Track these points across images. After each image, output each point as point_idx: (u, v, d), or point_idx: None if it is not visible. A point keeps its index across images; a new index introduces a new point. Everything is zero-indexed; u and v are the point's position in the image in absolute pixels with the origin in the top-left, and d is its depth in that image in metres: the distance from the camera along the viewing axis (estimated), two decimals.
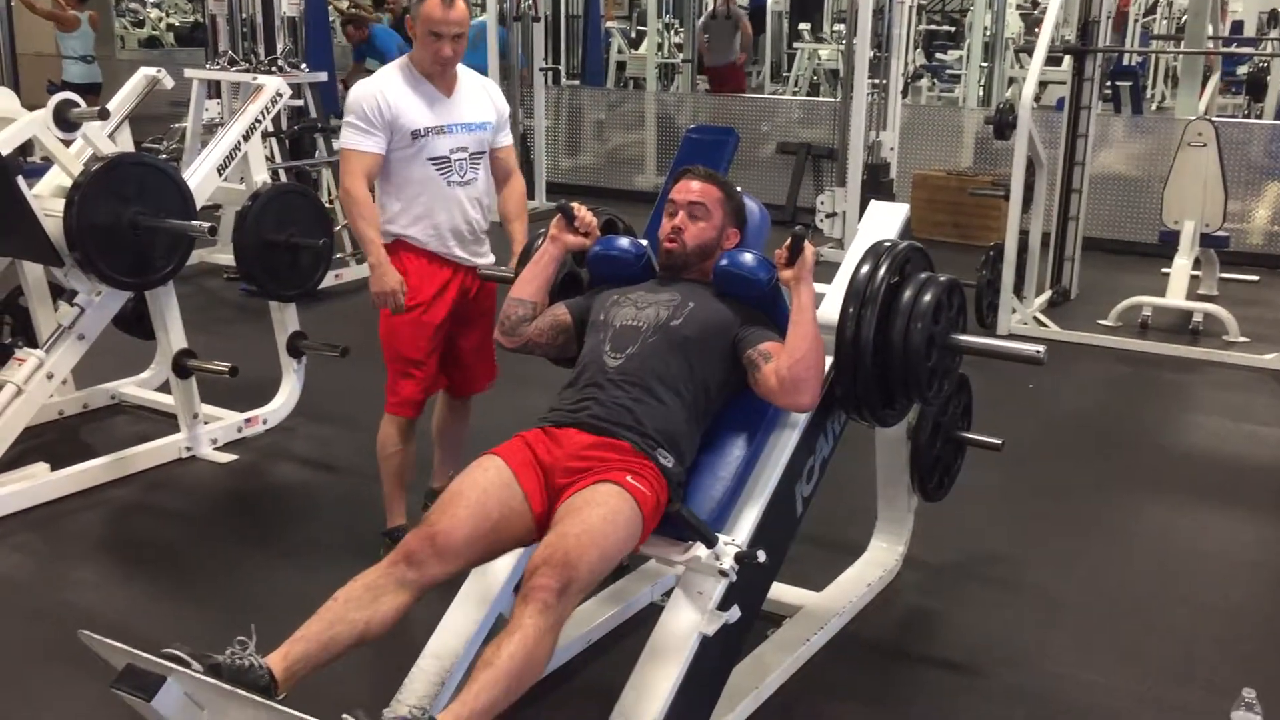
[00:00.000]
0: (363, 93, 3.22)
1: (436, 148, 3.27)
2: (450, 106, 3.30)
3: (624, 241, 2.89)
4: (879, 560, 3.43)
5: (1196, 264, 6.44)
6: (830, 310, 2.69)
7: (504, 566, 2.64)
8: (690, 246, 2.75)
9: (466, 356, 3.51)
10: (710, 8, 12.19)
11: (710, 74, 11.97)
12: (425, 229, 3.31)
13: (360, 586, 2.25)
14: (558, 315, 2.81)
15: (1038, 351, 2.71)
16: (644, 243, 2.90)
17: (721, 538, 2.44)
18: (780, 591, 3.11)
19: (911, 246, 2.73)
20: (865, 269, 2.64)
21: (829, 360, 2.62)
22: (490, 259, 3.47)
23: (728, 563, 2.40)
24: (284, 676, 2.11)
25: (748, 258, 2.72)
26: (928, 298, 2.61)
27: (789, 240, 2.56)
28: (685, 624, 2.42)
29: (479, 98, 3.39)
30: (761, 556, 2.43)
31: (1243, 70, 12.71)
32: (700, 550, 2.43)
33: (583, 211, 2.84)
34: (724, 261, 2.72)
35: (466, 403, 3.63)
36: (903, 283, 2.65)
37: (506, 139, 3.49)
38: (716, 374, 2.62)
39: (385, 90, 3.21)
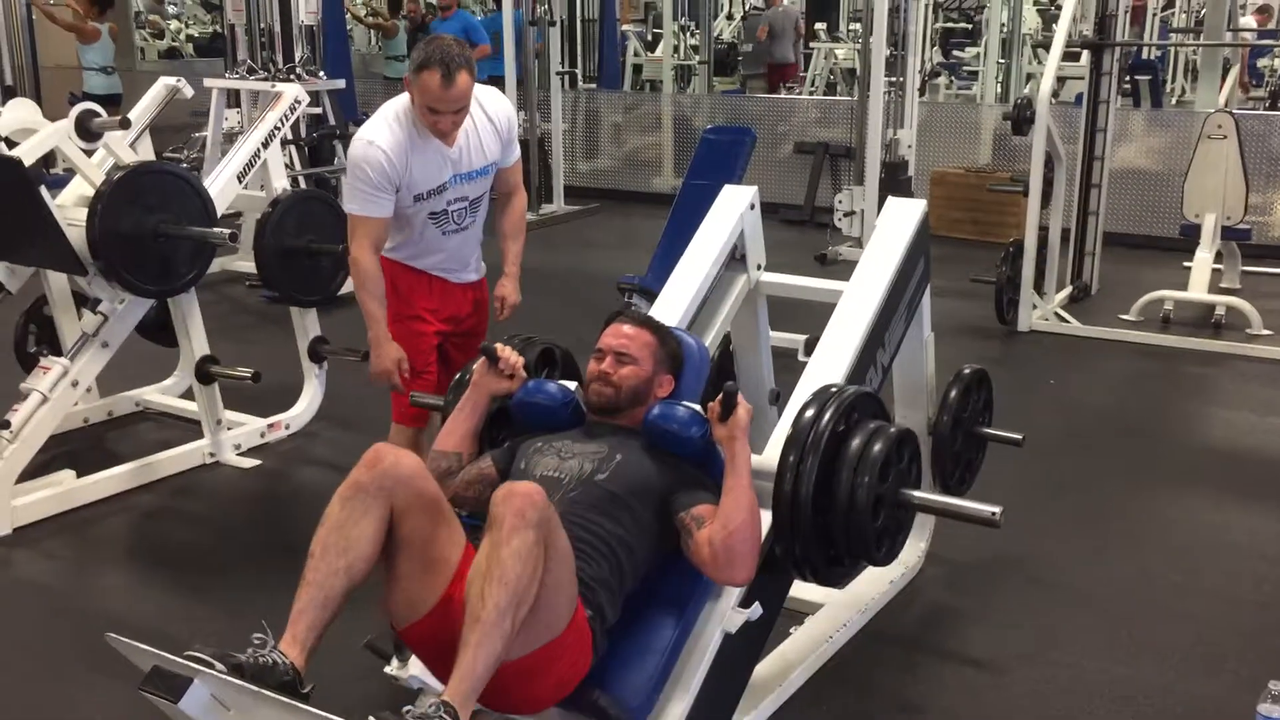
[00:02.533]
0: (367, 156, 3.05)
1: (436, 204, 3.20)
2: (452, 159, 3.16)
3: (551, 387, 2.69)
4: (901, 557, 3.41)
5: (1218, 257, 6.39)
6: (770, 458, 2.47)
7: None
8: (620, 390, 2.57)
9: (460, 369, 3.50)
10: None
11: (771, 70, 12.03)
12: (416, 263, 3.31)
13: (329, 530, 2.20)
14: (483, 469, 2.62)
15: (993, 513, 2.46)
16: (572, 386, 2.73)
17: None
18: (803, 589, 3.10)
19: (860, 392, 2.53)
20: (809, 414, 2.42)
21: (767, 516, 2.41)
22: (480, 273, 3.46)
23: None
24: (302, 660, 2.11)
25: (680, 412, 2.50)
26: (876, 449, 2.37)
27: (720, 396, 2.37)
28: None
29: (483, 135, 3.20)
30: None
31: (1263, 63, 12.65)
32: None
33: (506, 353, 2.67)
34: (655, 414, 2.52)
35: None
36: (849, 431, 2.41)
37: (514, 155, 3.34)
38: (643, 534, 2.41)
39: (390, 153, 3.05)
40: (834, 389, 2.51)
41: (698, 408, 2.52)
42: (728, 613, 2.39)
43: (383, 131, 3.08)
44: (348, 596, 2.20)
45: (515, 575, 2.04)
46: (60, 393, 3.95)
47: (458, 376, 2.87)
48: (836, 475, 2.36)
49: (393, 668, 2.54)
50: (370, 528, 2.19)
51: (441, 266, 3.34)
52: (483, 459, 2.64)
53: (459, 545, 2.28)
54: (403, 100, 3.11)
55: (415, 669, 2.49)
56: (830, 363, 2.76)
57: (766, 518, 2.41)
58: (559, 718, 2.35)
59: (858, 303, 2.90)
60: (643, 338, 2.63)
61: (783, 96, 11.38)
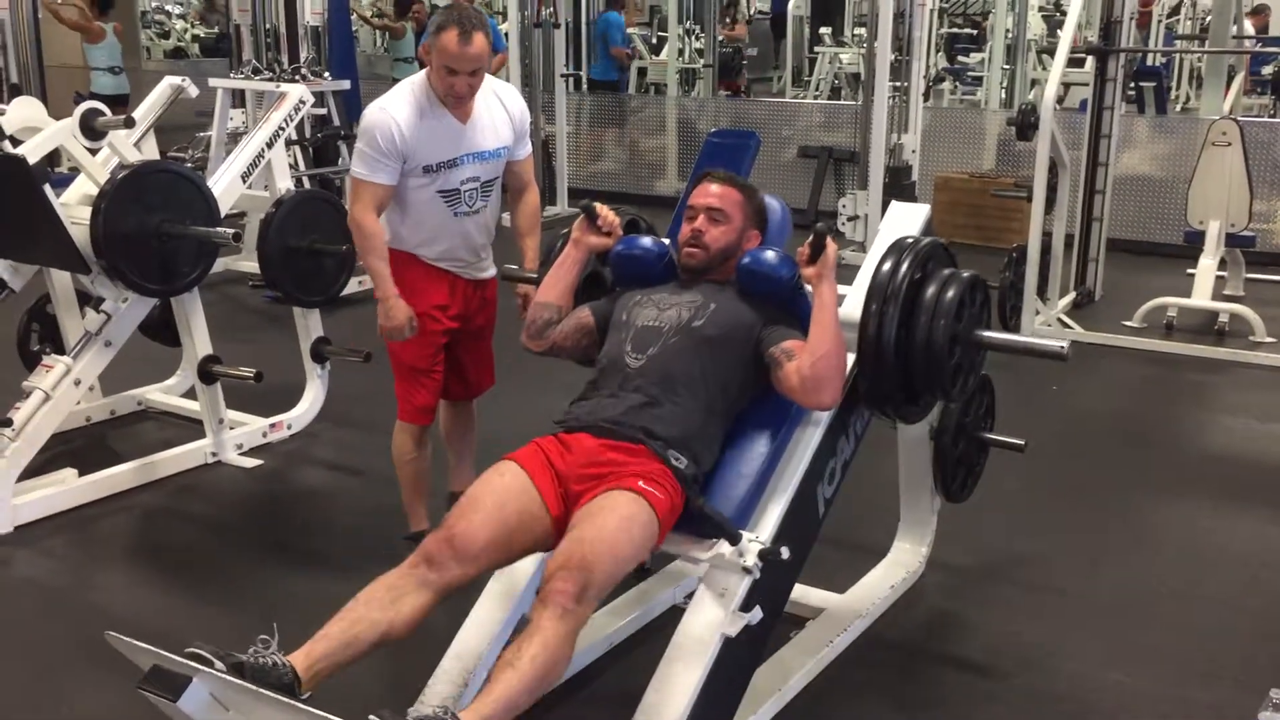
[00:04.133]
0: (378, 121, 3.10)
1: (448, 181, 3.21)
2: (465, 135, 3.19)
3: (646, 240, 2.90)
4: (902, 562, 3.42)
5: (1222, 264, 6.39)
6: (853, 307, 2.69)
7: (526, 567, 2.64)
8: (712, 251, 2.76)
9: (468, 366, 3.51)
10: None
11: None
12: (427, 251, 3.30)
13: (381, 587, 2.28)
14: (581, 318, 2.82)
15: (1062, 347, 2.70)
16: (666, 241, 2.92)
17: (745, 534, 2.45)
18: (803, 593, 3.11)
19: (934, 243, 2.73)
20: (887, 266, 2.63)
21: (851, 357, 2.63)
22: (491, 271, 3.45)
23: (751, 560, 2.41)
24: (307, 675, 2.13)
25: (770, 255, 2.72)
26: (950, 294, 2.60)
27: (811, 238, 2.57)
28: (708, 622, 2.42)
29: (496, 119, 3.26)
30: (785, 553, 2.43)
31: (1268, 70, 12.63)
32: (724, 548, 2.44)
33: (605, 211, 2.85)
34: (746, 260, 2.73)
35: (469, 405, 3.63)
36: (925, 279, 2.64)
37: (525, 149, 3.38)
38: (738, 374, 2.62)
39: (400, 122, 3.10)
40: (910, 239, 2.70)
41: (786, 253, 2.73)
42: (732, 612, 2.42)
43: (397, 101, 3.15)
44: (375, 648, 2.25)
45: (555, 646, 2.14)
46: (62, 391, 3.95)
47: (548, 248, 3.05)
48: (915, 318, 2.59)
49: None
50: (418, 603, 2.29)
51: (452, 256, 3.33)
52: (580, 310, 2.83)
53: (531, 504, 2.41)
54: (420, 76, 3.19)
55: None
56: None
57: (850, 359, 2.63)
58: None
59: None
60: (731, 195, 2.79)
61: (787, 100, 11.39)
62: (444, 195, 3.23)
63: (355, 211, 3.17)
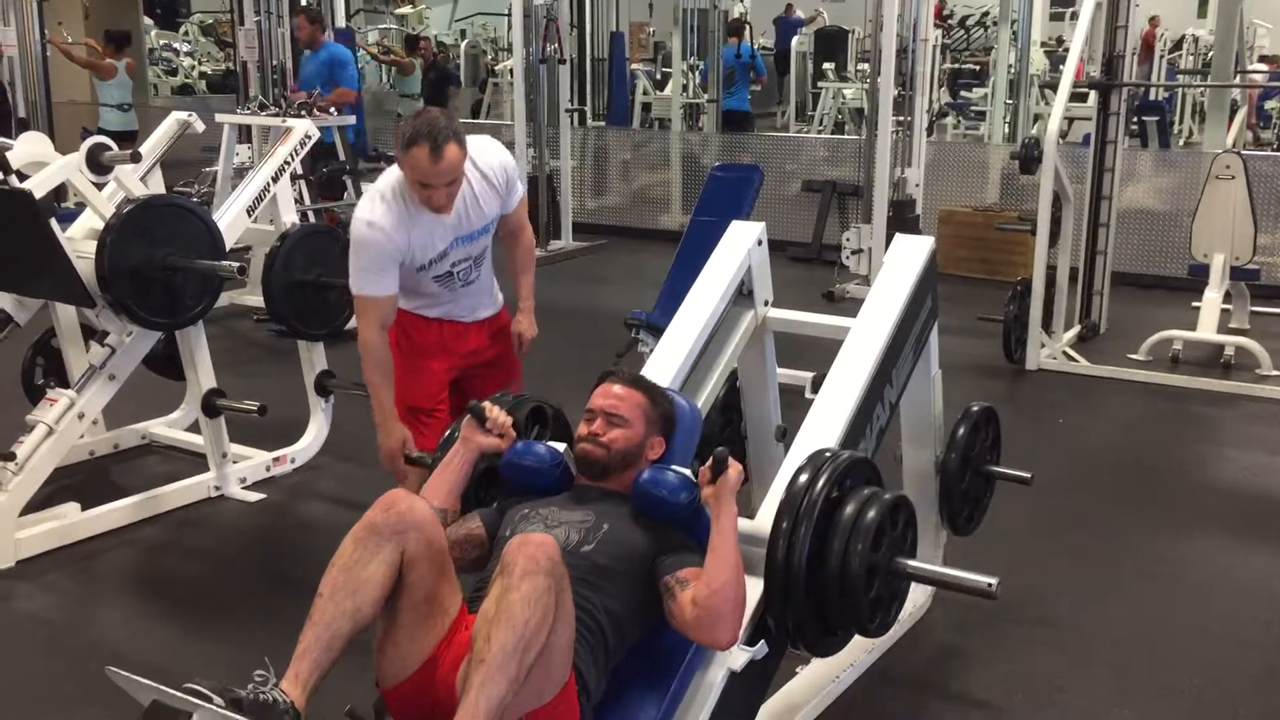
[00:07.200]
0: (370, 240, 3.04)
1: (440, 268, 3.20)
2: (451, 224, 3.14)
3: (539, 449, 2.61)
4: (910, 596, 3.39)
5: (1227, 297, 6.39)
6: (762, 524, 2.42)
7: None
8: (611, 450, 2.51)
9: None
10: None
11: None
12: (427, 312, 3.32)
13: (340, 570, 2.18)
14: (471, 529, 2.53)
15: (990, 585, 2.40)
16: (561, 448, 2.62)
17: None
18: None
19: (854, 457, 2.45)
20: (803, 479, 2.36)
21: (759, 584, 2.35)
22: (497, 306, 3.45)
23: None
24: (303, 701, 2.08)
25: (669, 477, 2.43)
26: (870, 516, 2.32)
27: (710, 459, 2.35)
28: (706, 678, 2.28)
29: (480, 196, 3.17)
30: None
31: (1270, 105, 12.69)
32: None
33: (494, 412, 2.61)
34: (643, 479, 2.45)
35: None
36: (843, 498, 2.36)
37: (516, 198, 3.31)
38: (630, 604, 2.33)
39: (391, 234, 3.04)
40: (828, 454, 2.44)
41: (687, 472, 2.46)
42: (721, 671, 2.31)
43: (379, 210, 3.06)
44: (353, 639, 2.18)
45: (524, 619, 1.98)
46: (66, 425, 3.95)
47: (447, 433, 2.79)
48: (829, 543, 2.30)
49: None
50: (380, 570, 2.18)
51: (452, 315, 3.34)
52: (470, 519, 2.55)
53: (456, 604, 2.25)
54: (398, 176, 3.07)
55: None
56: (837, 400, 2.74)
57: (757, 585, 2.34)
58: None
59: (865, 339, 2.89)
60: (634, 399, 2.56)
61: (791, 135, 11.44)
62: (438, 280, 3.23)
63: (362, 330, 3.13)
